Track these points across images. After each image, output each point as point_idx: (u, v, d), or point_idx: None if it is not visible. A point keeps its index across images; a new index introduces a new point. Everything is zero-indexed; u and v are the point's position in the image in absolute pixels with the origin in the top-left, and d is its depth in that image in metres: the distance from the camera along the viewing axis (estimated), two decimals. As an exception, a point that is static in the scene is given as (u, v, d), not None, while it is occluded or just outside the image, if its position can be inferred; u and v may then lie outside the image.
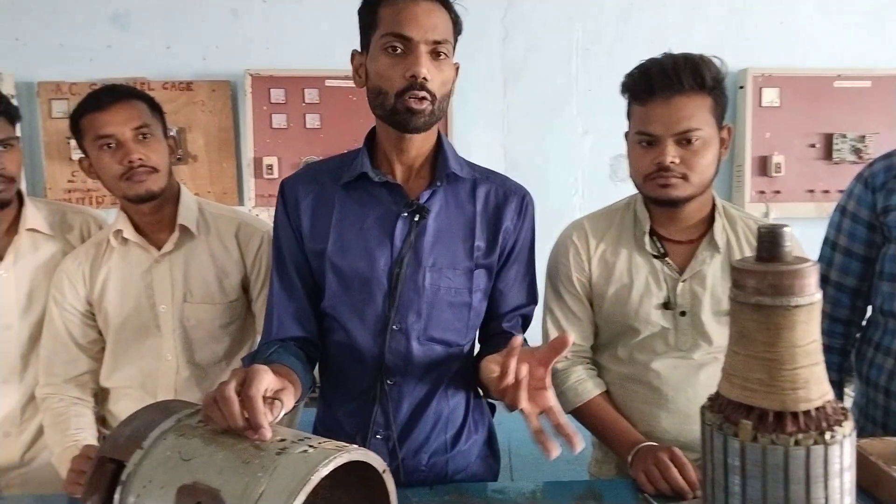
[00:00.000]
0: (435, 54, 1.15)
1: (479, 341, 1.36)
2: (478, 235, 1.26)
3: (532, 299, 1.35)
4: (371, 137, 1.29)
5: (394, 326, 1.23)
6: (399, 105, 1.15)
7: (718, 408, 0.71)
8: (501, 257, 1.30)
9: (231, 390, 0.84)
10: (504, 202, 1.29)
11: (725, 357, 0.72)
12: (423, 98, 1.14)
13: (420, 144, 1.24)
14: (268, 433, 0.82)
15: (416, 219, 1.23)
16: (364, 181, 1.25)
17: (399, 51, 1.14)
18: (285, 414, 0.91)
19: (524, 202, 1.31)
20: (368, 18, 1.18)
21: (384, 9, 1.15)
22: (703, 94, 1.28)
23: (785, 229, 0.67)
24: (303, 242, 1.27)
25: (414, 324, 1.24)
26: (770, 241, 0.67)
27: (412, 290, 1.23)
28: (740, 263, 0.69)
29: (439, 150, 1.27)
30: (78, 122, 1.43)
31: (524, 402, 0.96)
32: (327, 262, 1.24)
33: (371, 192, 1.25)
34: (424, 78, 1.13)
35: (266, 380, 0.87)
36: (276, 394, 0.90)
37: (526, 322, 1.36)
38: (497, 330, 1.32)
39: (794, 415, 0.67)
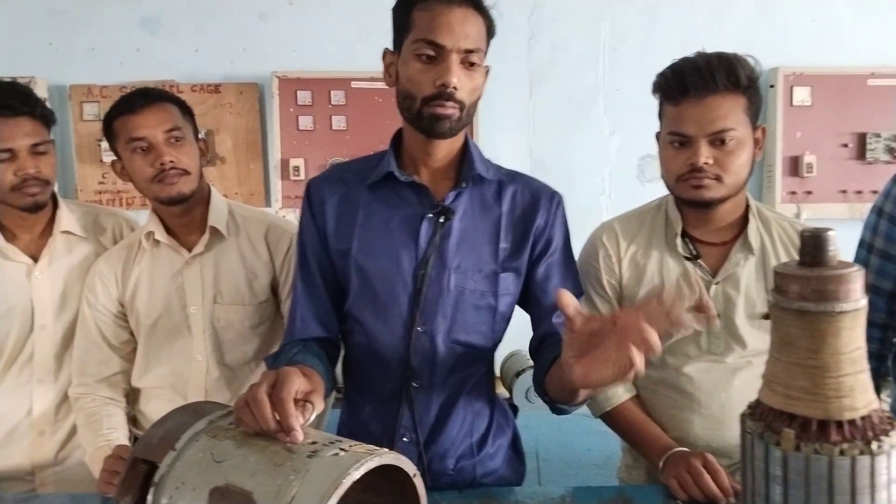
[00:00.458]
0: (467, 63, 1.14)
1: (533, 348, 1.30)
2: (503, 237, 1.25)
3: (577, 292, 1.30)
4: (398, 138, 1.28)
5: (419, 328, 1.23)
6: (425, 111, 1.15)
7: (759, 415, 0.70)
8: (532, 257, 1.28)
9: (262, 393, 0.84)
10: (532, 203, 1.28)
11: (766, 364, 0.70)
12: (450, 106, 1.14)
13: (447, 147, 1.23)
14: (299, 436, 0.82)
15: (441, 220, 1.22)
16: (390, 182, 1.25)
17: (430, 58, 1.14)
18: (316, 415, 0.91)
19: (553, 200, 1.29)
20: (402, 20, 1.18)
21: (419, 12, 1.15)
22: (738, 94, 1.26)
23: (829, 233, 0.66)
24: (327, 243, 1.27)
25: (439, 326, 1.23)
26: (814, 245, 0.65)
27: (437, 292, 1.22)
28: (783, 268, 0.67)
29: (465, 152, 1.27)
30: (111, 124, 1.45)
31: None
32: (352, 262, 1.24)
33: (397, 192, 1.25)
34: (454, 87, 1.13)
35: (297, 382, 0.87)
36: (306, 396, 0.90)
37: None
38: (549, 329, 1.25)
39: (839, 424, 0.65)
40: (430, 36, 1.13)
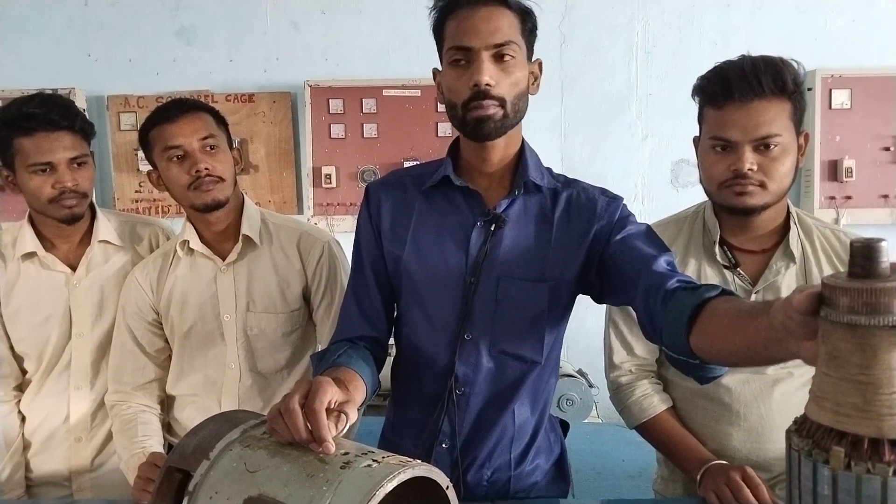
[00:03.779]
0: (499, 57, 1.14)
1: (641, 307, 1.10)
2: (554, 247, 1.22)
3: (664, 250, 1.16)
4: (455, 146, 1.29)
5: (465, 336, 1.22)
6: (467, 115, 1.15)
7: (807, 432, 0.67)
8: (592, 254, 1.21)
9: (295, 403, 0.84)
10: (588, 208, 1.23)
11: (814, 379, 0.67)
12: (490, 105, 1.13)
13: (501, 151, 1.23)
14: (332, 446, 0.82)
15: (493, 228, 1.21)
16: (444, 187, 1.25)
17: (463, 62, 1.14)
18: (350, 425, 0.90)
19: (613, 203, 1.25)
20: (438, 36, 1.20)
21: (449, 22, 1.17)
22: (783, 99, 1.23)
23: (882, 244, 0.63)
24: (381, 244, 1.28)
25: (485, 335, 1.22)
26: (865, 256, 0.63)
27: (485, 301, 1.21)
28: (831, 280, 0.64)
29: (521, 157, 1.26)
30: (147, 134, 1.48)
31: None
32: (403, 266, 1.25)
33: (450, 198, 1.25)
34: (488, 84, 1.12)
35: (330, 392, 0.87)
36: (340, 406, 0.89)
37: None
38: (652, 281, 1.08)
39: (893, 443, 0.62)
40: (458, 41, 1.14)
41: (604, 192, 1.28)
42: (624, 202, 1.27)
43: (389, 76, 3.17)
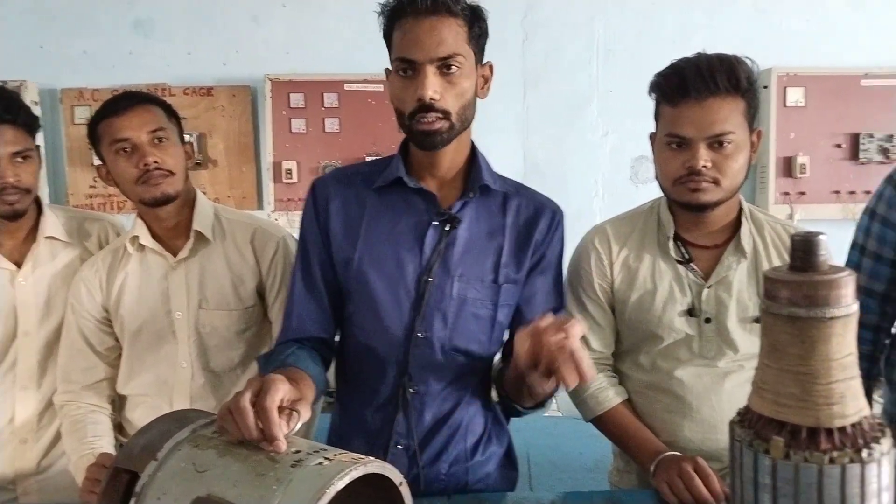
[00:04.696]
0: (444, 69, 1.14)
1: (505, 353, 1.34)
2: (506, 249, 1.26)
3: (560, 307, 1.33)
4: (406, 145, 1.28)
5: (419, 334, 1.22)
6: (413, 126, 1.16)
7: (749, 423, 0.68)
8: (530, 271, 1.29)
9: (246, 401, 0.83)
10: (535, 217, 1.28)
11: (756, 370, 0.69)
12: (435, 119, 1.14)
13: (452, 157, 1.24)
14: (283, 445, 0.81)
15: (447, 228, 1.22)
16: (397, 187, 1.25)
17: (408, 73, 1.15)
18: (301, 424, 0.89)
19: (555, 217, 1.30)
20: (388, 41, 1.20)
21: (396, 32, 1.17)
22: (737, 97, 1.24)
23: (820, 237, 0.64)
24: (329, 243, 1.26)
25: (439, 333, 1.23)
26: (804, 250, 0.64)
27: (439, 299, 1.22)
28: (773, 273, 0.66)
29: (473, 161, 1.27)
30: (95, 128, 1.44)
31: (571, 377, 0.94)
32: (354, 265, 1.24)
33: (404, 198, 1.25)
34: (432, 98, 1.12)
35: (282, 390, 0.86)
36: (292, 404, 0.88)
37: None
38: None
39: (829, 431, 0.63)
40: (402, 53, 1.14)
41: (548, 202, 1.31)
42: (561, 217, 1.32)
43: (351, 70, 3.15)
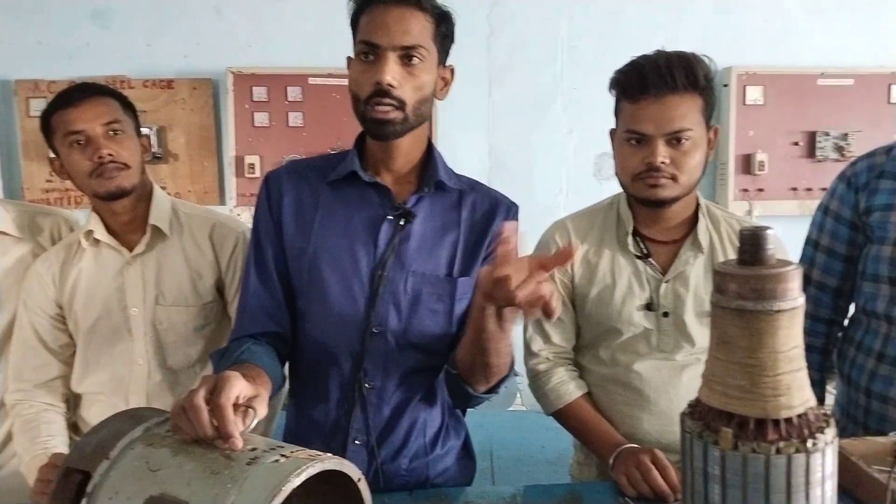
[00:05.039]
0: (406, 59, 1.14)
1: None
2: (461, 244, 1.25)
3: None
4: (362, 139, 1.28)
5: (374, 329, 1.21)
6: (367, 112, 1.15)
7: (699, 415, 0.70)
8: (482, 263, 1.28)
9: (200, 398, 0.81)
10: (491, 212, 1.28)
11: (706, 363, 0.70)
12: (389, 105, 1.13)
13: (407, 152, 1.24)
14: (238, 443, 0.80)
15: (402, 223, 1.22)
16: (352, 181, 1.24)
17: (370, 58, 1.14)
18: (258, 421, 0.88)
19: (510, 212, 1.30)
20: (353, 27, 1.19)
21: (363, 17, 1.17)
22: (695, 94, 1.26)
23: (768, 232, 0.66)
24: (282, 237, 1.25)
25: (394, 327, 1.22)
26: (752, 244, 0.65)
27: (393, 294, 1.22)
28: (722, 267, 0.67)
29: (429, 157, 1.27)
30: (48, 120, 1.41)
31: (522, 292, 0.90)
32: (307, 259, 1.23)
33: (358, 192, 1.24)
34: (390, 84, 1.12)
35: (238, 387, 0.85)
36: (249, 401, 0.87)
37: None
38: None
39: (776, 422, 0.65)
40: (367, 37, 1.14)
41: (503, 198, 1.31)
42: (516, 211, 1.31)
43: (316, 64, 3.13)
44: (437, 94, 1.23)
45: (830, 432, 0.67)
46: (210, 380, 0.85)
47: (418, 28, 1.14)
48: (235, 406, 0.83)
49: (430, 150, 1.28)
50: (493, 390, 1.23)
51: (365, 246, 1.22)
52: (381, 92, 1.13)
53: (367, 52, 1.14)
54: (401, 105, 1.14)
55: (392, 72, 1.12)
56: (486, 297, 0.98)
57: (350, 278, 1.21)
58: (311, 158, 1.35)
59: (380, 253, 1.22)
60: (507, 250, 0.93)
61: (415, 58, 1.14)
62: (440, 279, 1.24)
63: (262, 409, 0.88)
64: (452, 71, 1.25)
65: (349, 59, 1.22)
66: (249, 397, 0.88)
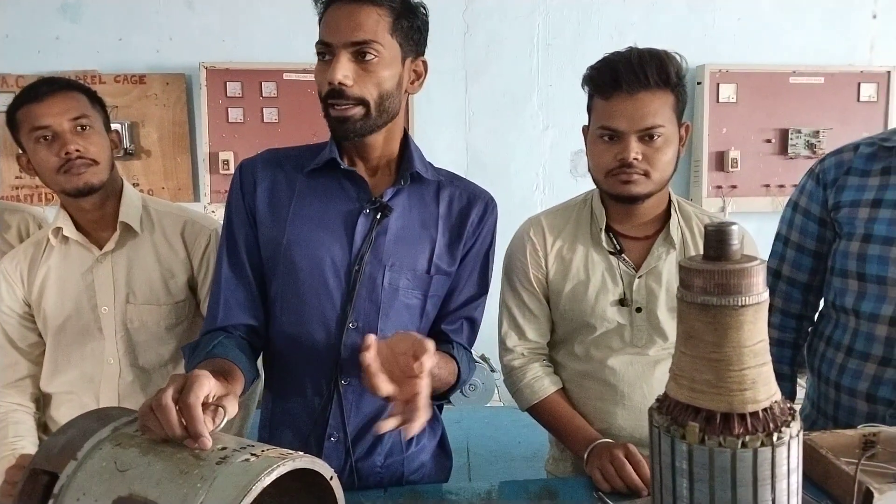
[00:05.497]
0: (359, 55, 1.12)
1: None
2: (440, 241, 1.25)
3: (480, 295, 1.33)
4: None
5: (350, 324, 1.21)
6: (328, 111, 1.15)
7: (666, 409, 0.70)
8: (460, 261, 1.29)
9: (168, 398, 0.80)
10: (468, 207, 1.28)
11: (673, 358, 0.71)
12: (346, 104, 1.13)
13: (382, 147, 1.23)
14: (208, 442, 0.79)
15: (379, 216, 1.21)
16: (329, 171, 1.23)
17: (325, 58, 1.14)
18: (229, 419, 0.88)
19: (487, 206, 1.30)
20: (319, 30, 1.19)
21: (323, 17, 1.16)
22: (667, 91, 1.27)
23: (732, 227, 0.66)
24: (256, 227, 1.23)
25: (371, 323, 1.21)
26: (717, 239, 0.66)
27: (370, 289, 1.21)
28: (687, 262, 0.67)
29: (405, 150, 1.26)
30: (14, 115, 1.39)
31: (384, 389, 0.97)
32: (282, 251, 1.21)
33: (335, 182, 1.23)
34: (342, 83, 1.11)
35: (207, 386, 0.84)
36: (219, 400, 0.86)
37: (472, 328, 1.34)
38: (438, 327, 1.30)
39: (742, 416, 0.66)
40: (322, 36, 1.14)
41: (481, 192, 1.32)
42: (494, 206, 1.32)
43: (291, 59, 3.10)
44: (409, 88, 1.22)
45: (796, 426, 0.68)
46: (179, 379, 0.84)
47: (370, 23, 1.12)
48: (205, 405, 0.83)
49: (406, 142, 1.27)
50: (443, 397, 1.27)
51: (341, 239, 1.21)
52: (336, 91, 1.12)
53: (323, 51, 1.14)
54: (359, 102, 1.13)
55: (343, 69, 1.11)
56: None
57: (325, 272, 1.20)
58: (288, 148, 1.33)
59: (356, 248, 1.21)
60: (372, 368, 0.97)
61: (368, 54, 1.12)
62: (417, 275, 1.23)
63: (232, 408, 0.87)
64: (425, 63, 1.24)
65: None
66: (219, 396, 0.87)
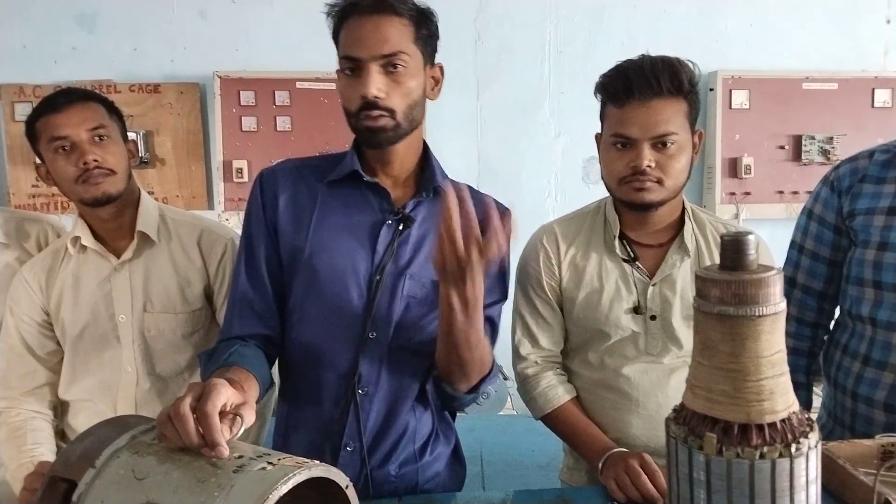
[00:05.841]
0: (390, 67, 1.14)
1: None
2: None
3: (501, 296, 1.33)
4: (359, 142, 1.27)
5: (369, 335, 1.21)
6: (359, 124, 1.16)
7: (683, 420, 0.70)
8: None
9: (186, 406, 0.81)
10: (483, 217, 1.27)
11: (690, 368, 0.71)
12: (378, 114, 1.14)
13: (403, 157, 1.24)
14: (225, 451, 0.79)
15: (401, 227, 1.21)
16: (351, 182, 1.24)
17: (353, 72, 1.15)
18: (246, 428, 0.88)
19: (503, 218, 1.29)
20: (336, 41, 1.19)
21: (342, 31, 1.17)
22: (680, 98, 1.27)
23: (749, 237, 0.66)
24: (276, 237, 1.24)
25: (390, 333, 1.22)
26: (734, 249, 0.66)
27: (390, 299, 1.21)
28: (703, 272, 0.67)
29: (426, 162, 1.27)
30: (33, 125, 1.40)
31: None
32: (304, 260, 1.22)
33: (357, 193, 1.24)
34: (376, 97, 1.12)
35: (224, 394, 0.84)
36: (236, 408, 0.87)
37: (493, 328, 1.34)
38: None
39: (760, 427, 0.65)
40: (347, 51, 1.14)
41: (497, 205, 1.31)
42: (509, 215, 1.31)
43: (303, 68, 3.12)
44: (429, 94, 1.23)
45: (814, 437, 0.68)
46: (196, 387, 0.85)
47: (396, 34, 1.14)
48: (223, 413, 0.83)
49: (426, 154, 1.28)
50: (475, 389, 1.24)
51: (363, 250, 1.22)
52: (369, 104, 1.13)
53: (350, 66, 1.15)
54: (391, 114, 1.15)
55: (376, 83, 1.12)
56: (442, 272, 1.02)
57: (347, 281, 1.21)
58: (308, 158, 1.33)
59: (378, 258, 1.21)
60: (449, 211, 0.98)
61: (398, 65, 1.14)
62: (435, 285, 1.22)
63: (249, 417, 0.87)
64: (442, 69, 1.25)
65: (338, 71, 1.21)
66: (237, 404, 0.87)
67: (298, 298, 1.24)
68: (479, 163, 3.31)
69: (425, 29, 1.19)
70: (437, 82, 1.25)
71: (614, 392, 1.39)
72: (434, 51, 1.23)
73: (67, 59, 3.12)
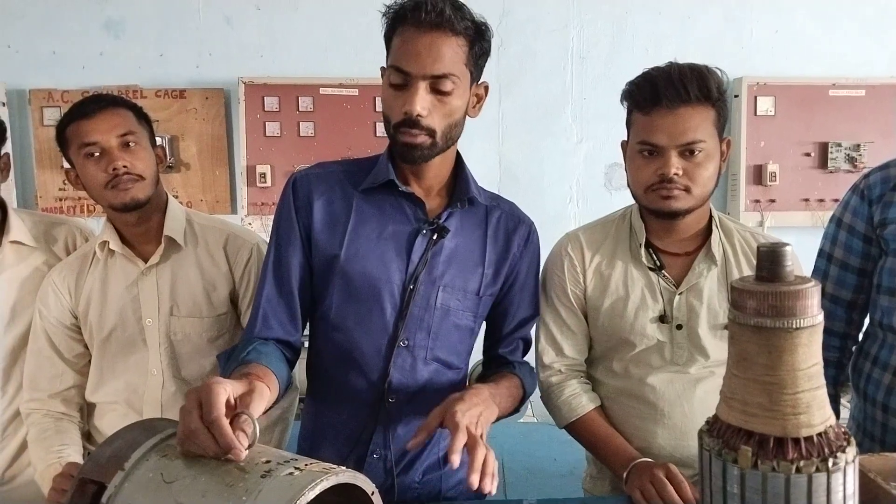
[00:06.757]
0: (438, 86, 1.12)
1: (484, 363, 1.41)
2: (487, 261, 1.27)
3: (534, 316, 1.39)
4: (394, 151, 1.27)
5: (401, 343, 1.21)
6: (398, 137, 1.15)
7: (717, 432, 0.69)
8: (504, 285, 1.31)
9: (196, 422, 0.79)
10: (513, 230, 1.31)
11: (724, 380, 0.70)
12: (417, 132, 1.13)
13: (437, 168, 1.24)
14: (242, 453, 0.78)
15: (435, 237, 1.22)
16: (385, 189, 1.23)
17: (400, 83, 1.13)
18: (266, 405, 0.88)
19: (530, 233, 1.34)
20: (387, 42, 1.18)
21: (396, 37, 1.15)
22: (708, 106, 1.26)
23: (786, 248, 0.65)
24: (308, 243, 1.23)
25: (422, 342, 1.23)
26: (770, 260, 0.65)
27: (423, 309, 1.22)
28: (740, 284, 0.66)
29: (460, 172, 1.27)
30: (63, 131, 1.42)
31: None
32: (338, 267, 1.21)
33: (392, 201, 1.24)
34: (419, 115, 1.12)
35: (222, 394, 0.82)
36: (241, 399, 0.86)
37: (527, 345, 1.38)
38: (496, 352, 1.35)
39: (796, 441, 0.64)
40: (398, 62, 1.13)
41: (523, 217, 1.35)
42: (533, 231, 1.35)
43: (326, 74, 3.14)
44: (470, 111, 1.22)
45: (851, 451, 0.66)
46: (193, 398, 0.82)
47: (450, 54, 1.12)
48: (233, 410, 0.82)
49: (459, 164, 1.28)
50: (514, 412, 1.30)
51: (398, 258, 1.22)
52: (411, 121, 1.12)
53: (399, 78, 1.13)
54: (430, 133, 1.14)
55: (422, 101, 1.11)
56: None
57: (381, 290, 1.21)
58: (339, 162, 1.32)
59: (413, 267, 1.21)
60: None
61: (446, 86, 1.12)
62: (468, 295, 1.25)
63: (257, 406, 0.86)
64: (487, 88, 1.24)
65: (382, 68, 1.20)
66: (241, 395, 0.86)
67: (332, 305, 1.23)
68: (500, 168, 3.31)
69: (479, 47, 1.17)
70: (480, 100, 1.24)
71: (639, 402, 1.38)
72: (482, 69, 1.21)
73: (95, 64, 3.17)
